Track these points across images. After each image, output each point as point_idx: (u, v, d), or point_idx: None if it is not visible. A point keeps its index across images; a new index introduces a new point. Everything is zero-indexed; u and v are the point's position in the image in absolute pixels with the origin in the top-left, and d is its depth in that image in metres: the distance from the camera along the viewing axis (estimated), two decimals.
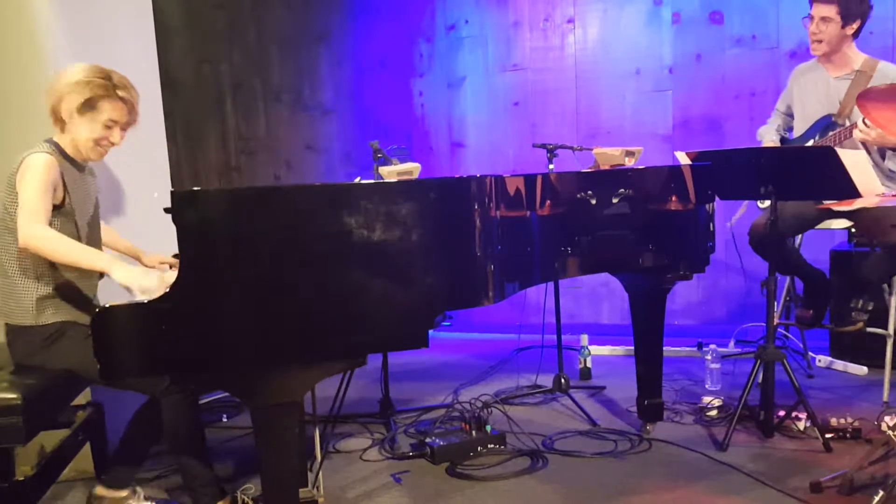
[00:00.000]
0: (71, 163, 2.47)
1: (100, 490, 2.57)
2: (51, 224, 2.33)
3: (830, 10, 3.23)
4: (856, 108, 3.10)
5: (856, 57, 3.33)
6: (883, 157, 3.27)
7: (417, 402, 3.65)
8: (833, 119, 3.33)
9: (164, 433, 2.44)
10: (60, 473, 2.55)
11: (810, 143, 3.40)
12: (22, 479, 2.20)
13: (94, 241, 2.55)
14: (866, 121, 2.98)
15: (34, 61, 2.83)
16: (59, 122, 2.44)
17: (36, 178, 2.30)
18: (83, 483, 2.83)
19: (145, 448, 2.58)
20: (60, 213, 2.38)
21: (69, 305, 2.43)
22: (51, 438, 2.53)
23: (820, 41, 3.29)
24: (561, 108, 4.94)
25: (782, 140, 3.63)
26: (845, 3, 3.22)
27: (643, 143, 3.40)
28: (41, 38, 2.85)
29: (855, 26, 3.26)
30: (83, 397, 2.69)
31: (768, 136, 3.63)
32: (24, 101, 2.79)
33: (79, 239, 2.43)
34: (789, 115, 3.61)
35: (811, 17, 3.30)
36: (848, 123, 3.28)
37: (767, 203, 3.47)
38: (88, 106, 2.40)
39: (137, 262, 2.73)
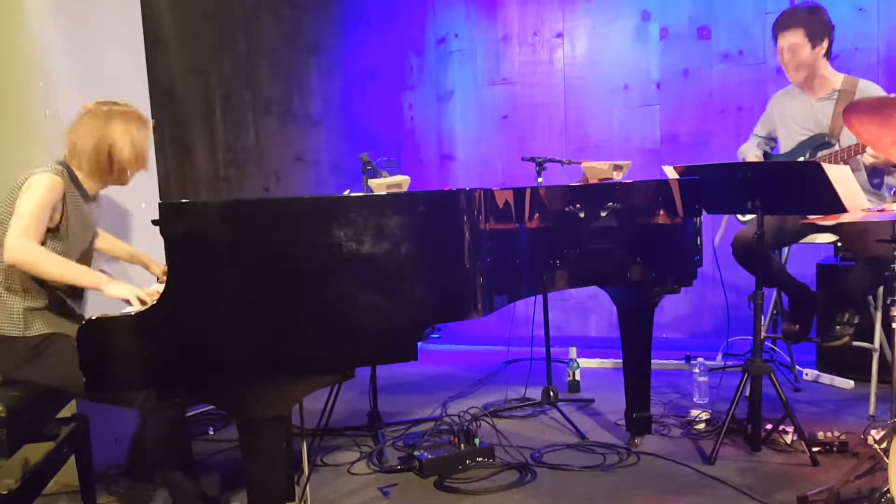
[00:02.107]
0: (79, 190, 2.46)
1: None
2: (55, 246, 2.33)
3: (797, 36, 3.28)
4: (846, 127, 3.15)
5: (834, 77, 3.36)
6: (881, 178, 3.32)
7: (406, 415, 3.64)
8: (826, 139, 3.36)
9: (150, 447, 2.41)
10: (45, 487, 2.51)
11: (800, 160, 3.42)
12: (6, 492, 2.17)
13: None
14: None
15: (24, 70, 2.82)
16: (116, 174, 2.45)
17: (36, 196, 2.27)
18: (67, 497, 2.80)
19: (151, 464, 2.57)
20: (54, 237, 2.36)
21: (57, 317, 2.41)
22: (35, 451, 2.49)
23: (797, 68, 3.34)
24: (549, 121, 4.96)
25: (766, 155, 3.66)
26: (809, 24, 3.27)
27: (631, 157, 3.43)
28: (31, 48, 2.84)
29: (825, 45, 3.30)
30: (68, 410, 2.66)
31: (751, 153, 3.66)
32: (12, 110, 2.79)
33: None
34: (771, 138, 3.65)
35: (780, 51, 3.35)
36: (838, 142, 3.32)
37: (748, 217, 3.51)
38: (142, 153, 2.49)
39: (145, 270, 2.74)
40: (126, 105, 2.48)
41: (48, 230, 2.33)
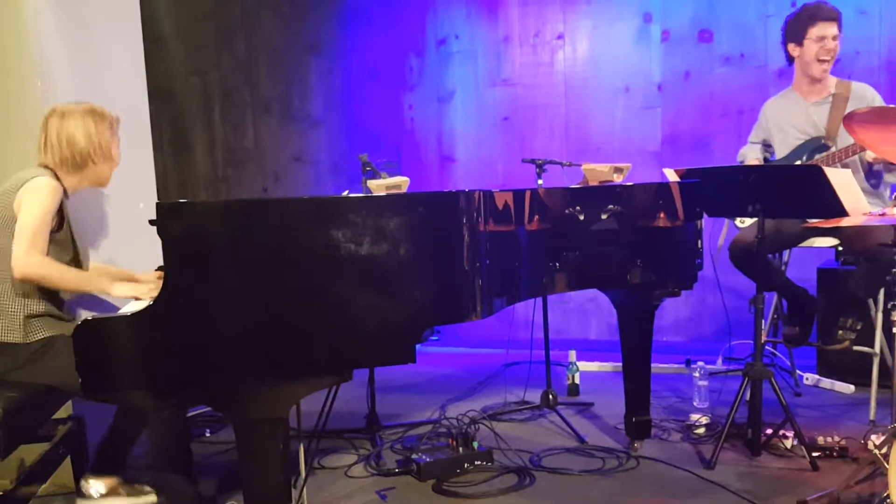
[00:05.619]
0: (63, 191, 2.48)
1: (88, 479, 2.55)
2: (51, 250, 2.33)
3: (836, 28, 3.31)
4: (842, 129, 3.15)
5: (829, 79, 3.39)
6: (879, 178, 3.32)
7: (404, 418, 3.63)
8: (823, 142, 3.36)
9: (151, 448, 2.41)
10: (40, 488, 2.51)
11: (798, 163, 3.42)
12: (1, 493, 2.16)
13: (86, 262, 2.56)
14: None
15: (23, 70, 2.81)
16: (80, 166, 2.48)
17: (39, 203, 2.30)
18: (63, 498, 2.78)
19: (126, 452, 2.57)
20: (54, 241, 2.37)
21: (57, 320, 2.41)
22: (31, 452, 2.49)
23: (832, 59, 3.34)
24: (550, 123, 4.95)
25: (765, 160, 3.65)
26: (839, 17, 3.31)
27: (632, 159, 3.41)
28: (30, 48, 2.83)
29: None
30: (64, 411, 2.66)
31: (752, 155, 3.65)
32: (11, 109, 2.78)
33: (80, 261, 2.46)
34: (767, 145, 3.64)
35: (822, 38, 3.31)
36: (835, 144, 3.32)
37: (747, 221, 3.50)
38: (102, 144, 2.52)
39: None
40: (86, 103, 2.54)
41: (53, 232, 2.36)
